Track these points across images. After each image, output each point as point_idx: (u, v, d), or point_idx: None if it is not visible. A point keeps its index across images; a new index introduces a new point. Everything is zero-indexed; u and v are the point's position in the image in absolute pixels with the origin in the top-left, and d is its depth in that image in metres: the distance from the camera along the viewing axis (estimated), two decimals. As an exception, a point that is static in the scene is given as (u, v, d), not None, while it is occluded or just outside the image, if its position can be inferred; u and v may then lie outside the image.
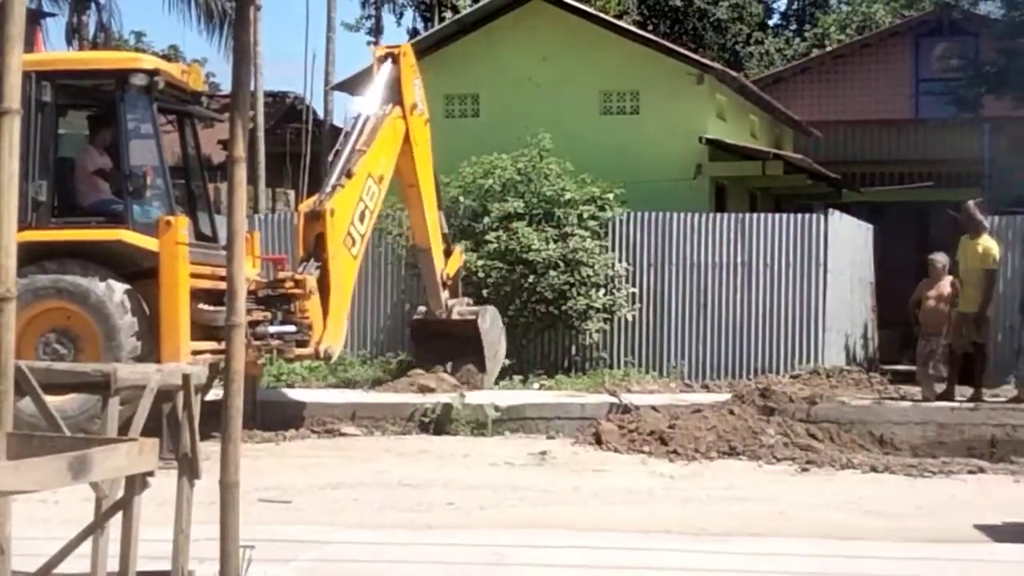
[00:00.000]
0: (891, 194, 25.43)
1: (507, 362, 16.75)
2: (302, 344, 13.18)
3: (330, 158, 14.64)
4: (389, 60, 14.73)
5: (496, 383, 16.06)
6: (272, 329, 13.15)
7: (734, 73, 22.65)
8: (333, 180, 13.86)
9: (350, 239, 13.72)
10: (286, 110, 30.61)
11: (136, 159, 12.50)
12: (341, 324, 13.59)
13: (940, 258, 14.82)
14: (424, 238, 15.32)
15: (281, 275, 13.39)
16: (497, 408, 13.88)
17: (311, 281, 13.21)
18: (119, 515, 4.42)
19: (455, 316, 15.61)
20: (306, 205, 13.94)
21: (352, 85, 22.69)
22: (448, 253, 15.61)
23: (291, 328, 13.34)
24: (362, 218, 13.92)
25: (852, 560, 7.87)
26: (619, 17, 28.87)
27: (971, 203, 14.85)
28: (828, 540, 8.37)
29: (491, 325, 15.84)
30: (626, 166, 18.35)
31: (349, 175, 13.83)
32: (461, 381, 15.33)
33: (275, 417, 13.85)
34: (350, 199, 13.76)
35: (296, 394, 15.19)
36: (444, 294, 15.46)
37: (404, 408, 14.13)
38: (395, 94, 14.63)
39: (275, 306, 13.35)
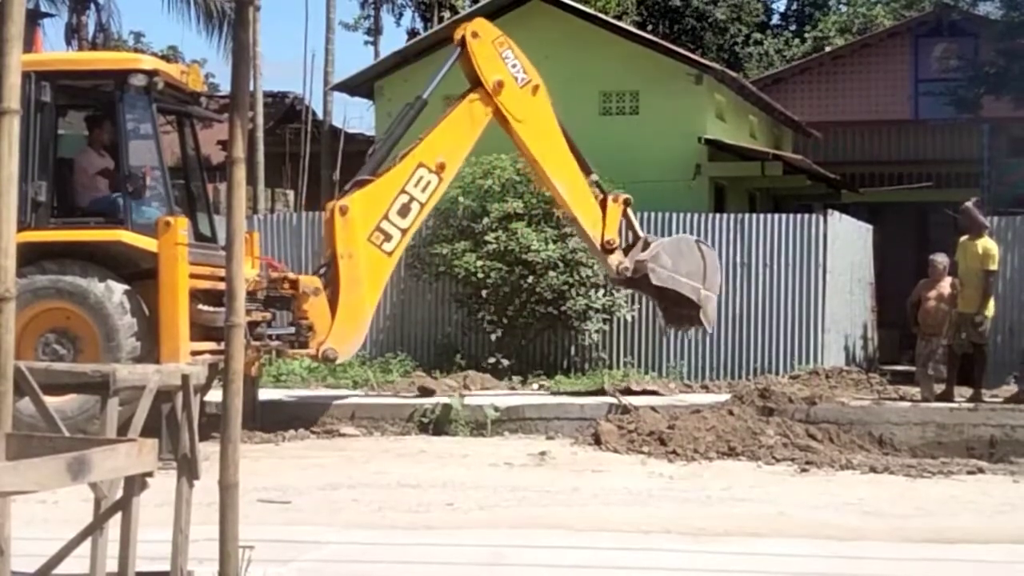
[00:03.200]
0: (890, 195, 25.45)
1: (506, 362, 16.78)
2: (301, 345, 13.15)
3: (369, 152, 14.23)
4: (459, 46, 13.92)
5: (501, 381, 16.07)
6: (269, 330, 13.15)
7: (733, 73, 22.65)
8: (359, 175, 13.47)
9: (380, 235, 13.19)
10: (285, 110, 30.56)
11: (135, 160, 12.50)
12: (351, 325, 13.15)
13: (941, 259, 14.83)
14: (567, 209, 14.58)
15: (275, 276, 13.36)
16: (496, 408, 13.88)
17: (306, 281, 13.17)
18: (118, 516, 4.42)
19: (631, 276, 14.49)
20: (332, 202, 13.59)
21: (351, 85, 22.74)
22: (603, 215, 14.25)
23: (289, 329, 13.34)
24: (404, 212, 13.28)
25: (851, 560, 7.88)
26: (618, 18, 28.86)
27: (970, 204, 14.86)
28: (827, 541, 8.37)
29: (673, 267, 14.42)
30: (625, 166, 18.33)
31: (392, 164, 13.32)
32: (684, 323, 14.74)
33: (274, 417, 13.86)
34: (383, 193, 13.25)
35: (295, 394, 15.19)
36: (613, 258, 14.24)
37: (403, 409, 14.13)
38: (471, 77, 13.92)
39: (274, 307, 13.36)
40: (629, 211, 14.52)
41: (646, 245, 14.46)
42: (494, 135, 18.48)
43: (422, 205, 13.44)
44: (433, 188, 13.49)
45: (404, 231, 13.35)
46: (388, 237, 13.25)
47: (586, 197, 14.24)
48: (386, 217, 13.22)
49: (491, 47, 13.86)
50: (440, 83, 14.06)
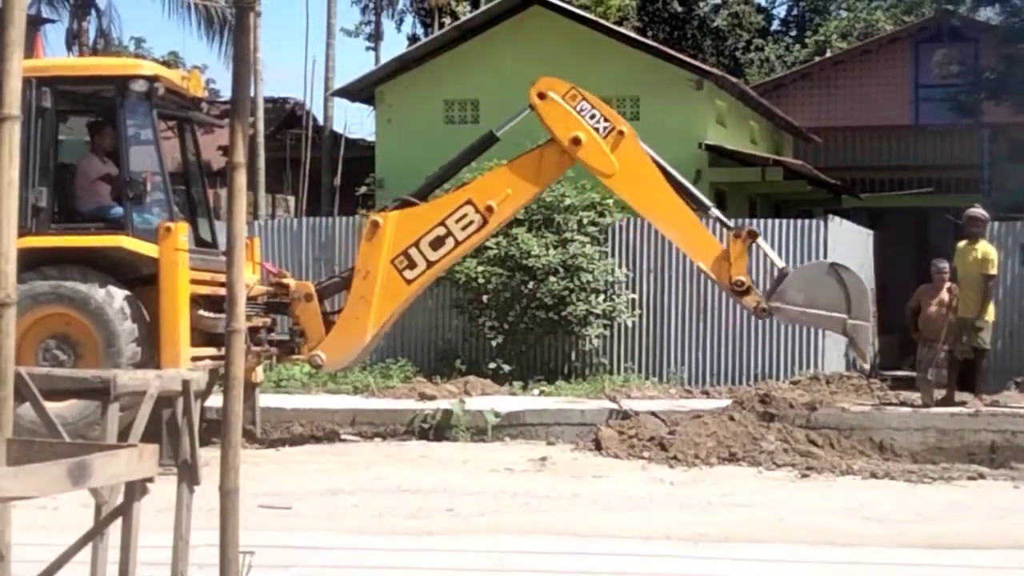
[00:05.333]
0: (891, 200, 25.46)
1: (507, 368, 16.77)
2: (292, 350, 13.17)
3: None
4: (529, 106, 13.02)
5: (501, 385, 16.06)
6: (269, 336, 13.17)
7: (734, 79, 22.69)
8: (406, 195, 13.10)
9: (405, 259, 12.69)
10: (286, 116, 30.58)
11: (136, 165, 12.51)
12: (344, 339, 12.88)
13: (944, 265, 14.84)
14: (688, 255, 13.75)
15: (271, 280, 13.39)
16: (497, 414, 13.88)
17: (297, 286, 13.16)
18: (118, 521, 4.41)
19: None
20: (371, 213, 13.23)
21: (351, 91, 22.75)
22: (727, 255, 12.66)
23: (284, 335, 13.36)
24: (437, 244, 12.67)
25: (852, 566, 7.88)
26: (619, 23, 28.87)
27: (980, 210, 14.85)
28: (828, 546, 8.37)
29: (806, 301, 12.70)
30: (626, 172, 18.31)
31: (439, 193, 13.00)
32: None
33: (275, 423, 13.88)
34: (422, 218, 12.75)
35: (296, 400, 15.18)
36: (749, 299, 12.76)
37: (404, 414, 14.13)
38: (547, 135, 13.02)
39: (276, 312, 13.37)
40: (761, 243, 13.04)
41: (782, 277, 12.88)
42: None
43: (457, 243, 12.77)
44: (474, 229, 12.75)
45: (431, 263, 12.75)
46: (412, 264, 12.70)
47: (701, 240, 12.99)
48: (416, 244, 12.68)
49: (561, 105, 12.81)
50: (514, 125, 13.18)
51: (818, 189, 22.15)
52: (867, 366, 13.32)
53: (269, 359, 13.82)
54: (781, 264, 13.15)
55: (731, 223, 13.22)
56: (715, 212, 13.18)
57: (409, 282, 12.81)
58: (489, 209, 12.71)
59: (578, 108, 12.81)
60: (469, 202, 12.77)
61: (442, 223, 12.72)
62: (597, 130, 12.76)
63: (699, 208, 13.11)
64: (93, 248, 12.21)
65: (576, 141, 12.71)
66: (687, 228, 12.99)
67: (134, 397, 4.79)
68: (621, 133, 12.84)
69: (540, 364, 17.35)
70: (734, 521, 9.23)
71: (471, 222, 12.72)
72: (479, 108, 20.69)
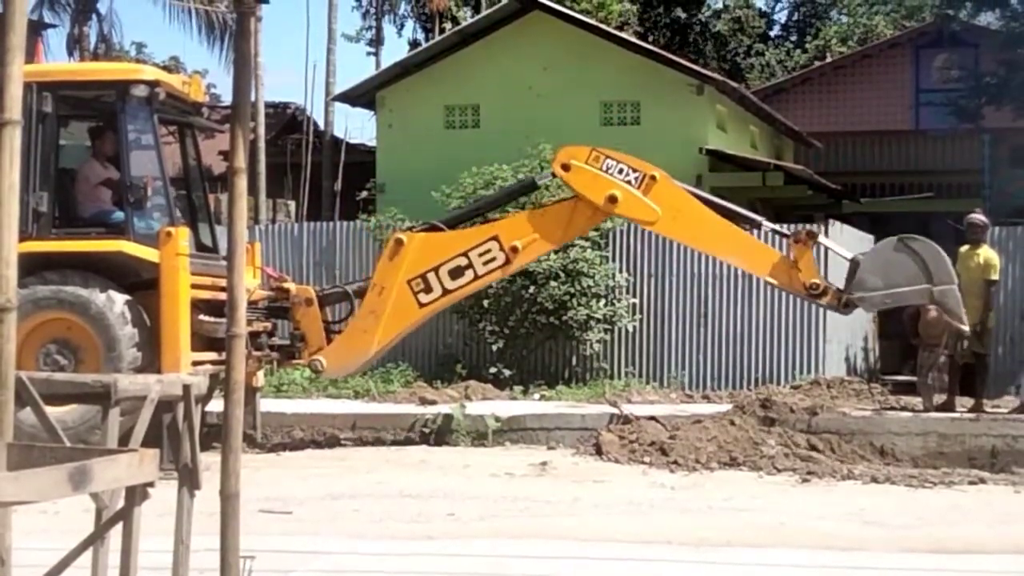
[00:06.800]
0: (891, 205, 25.46)
1: (507, 372, 16.78)
2: (292, 355, 13.18)
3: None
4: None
5: (502, 390, 16.08)
6: (269, 340, 13.19)
7: (734, 84, 22.70)
8: (434, 220, 13.09)
9: (421, 282, 12.62)
10: (287, 121, 30.61)
11: (137, 170, 12.52)
12: (348, 349, 12.87)
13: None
14: (754, 274, 13.88)
15: (272, 284, 13.42)
16: (497, 419, 13.87)
17: (299, 291, 13.17)
18: (119, 526, 4.41)
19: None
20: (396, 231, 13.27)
21: (352, 96, 22.77)
22: (793, 263, 12.46)
23: (285, 340, 13.37)
24: (456, 274, 12.62)
25: (853, 571, 7.88)
26: (620, 28, 28.90)
27: (980, 216, 14.84)
28: (829, 551, 8.37)
29: (885, 282, 12.47)
30: (626, 177, 18.32)
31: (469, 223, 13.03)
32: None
33: (276, 427, 13.88)
34: (446, 246, 12.72)
35: (297, 405, 15.19)
36: (827, 300, 12.58)
37: (404, 418, 14.14)
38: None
39: (277, 317, 13.39)
40: (823, 240, 13.03)
41: (855, 267, 12.59)
42: (496, 142, 18.54)
43: (476, 276, 12.71)
44: (495, 267, 12.70)
45: (446, 292, 12.71)
46: (428, 289, 12.64)
47: (762, 256, 12.85)
48: (436, 270, 12.63)
49: (588, 170, 12.64)
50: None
51: (819, 194, 22.17)
52: (966, 328, 13.05)
53: (270, 364, 13.83)
54: (849, 255, 12.95)
55: (787, 230, 13.11)
56: (768, 225, 13.04)
57: (422, 305, 12.75)
58: (514, 249, 12.62)
59: (604, 168, 12.63)
60: (495, 238, 12.68)
61: (465, 254, 12.66)
62: (629, 182, 12.57)
63: (751, 225, 13.04)
64: (94, 253, 12.22)
65: (612, 199, 12.54)
66: (745, 249, 12.91)
67: (135, 402, 4.79)
68: (653, 178, 12.60)
69: (541, 369, 17.36)
70: (735, 526, 9.23)
71: (493, 259, 12.65)
72: (480, 113, 20.72)
